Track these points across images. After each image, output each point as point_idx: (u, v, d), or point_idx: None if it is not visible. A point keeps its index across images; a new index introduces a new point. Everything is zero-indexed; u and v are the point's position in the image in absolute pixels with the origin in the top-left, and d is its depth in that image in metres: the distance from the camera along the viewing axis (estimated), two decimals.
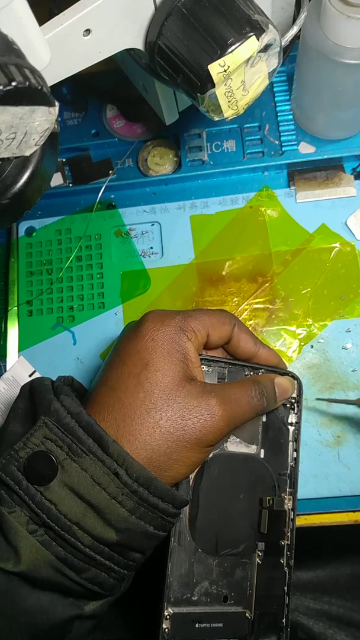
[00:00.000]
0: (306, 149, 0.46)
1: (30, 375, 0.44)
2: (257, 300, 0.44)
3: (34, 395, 0.31)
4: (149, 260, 0.46)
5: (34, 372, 0.44)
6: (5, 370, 0.45)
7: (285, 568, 0.36)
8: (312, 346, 0.42)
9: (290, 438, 0.37)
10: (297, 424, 0.38)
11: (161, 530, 0.30)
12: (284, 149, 0.46)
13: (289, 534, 0.36)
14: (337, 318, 0.43)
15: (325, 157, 0.45)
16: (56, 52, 0.29)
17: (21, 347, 0.46)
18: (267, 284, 0.44)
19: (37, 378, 0.33)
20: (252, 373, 0.36)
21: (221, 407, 0.30)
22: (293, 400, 0.37)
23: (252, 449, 0.36)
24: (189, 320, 0.32)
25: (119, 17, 0.30)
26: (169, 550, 0.33)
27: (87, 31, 0.30)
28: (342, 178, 0.46)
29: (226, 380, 0.36)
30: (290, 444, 0.37)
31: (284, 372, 0.37)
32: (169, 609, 0.33)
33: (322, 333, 0.43)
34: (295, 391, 0.37)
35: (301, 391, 0.38)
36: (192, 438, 0.30)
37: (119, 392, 0.30)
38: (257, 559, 0.35)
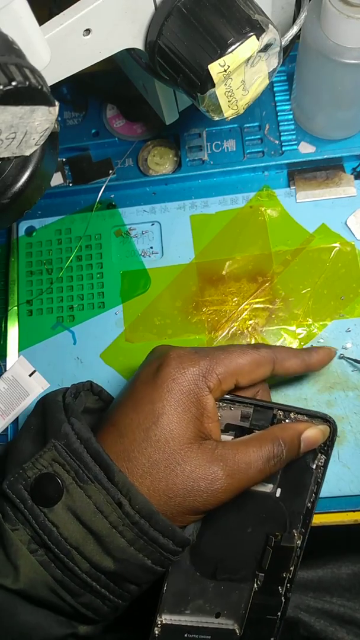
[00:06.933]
0: (306, 149, 0.46)
1: (30, 375, 0.44)
2: (257, 300, 0.44)
3: (46, 412, 0.31)
4: (149, 260, 0.46)
5: (34, 371, 0.44)
6: (5, 370, 0.45)
7: (283, 598, 0.35)
8: (312, 346, 0.42)
9: (313, 480, 0.34)
10: (323, 467, 0.34)
11: (159, 565, 0.30)
12: (284, 148, 0.46)
13: (292, 568, 0.34)
14: (337, 318, 0.43)
15: (325, 156, 0.45)
16: (56, 52, 0.29)
17: (21, 347, 0.46)
18: (267, 284, 0.44)
19: (51, 393, 0.33)
20: (281, 414, 0.33)
21: (227, 480, 0.29)
22: (324, 445, 0.34)
23: (267, 488, 0.34)
24: (215, 368, 0.30)
25: (119, 17, 0.30)
26: (167, 569, 0.33)
27: (87, 31, 0.30)
28: (342, 178, 0.46)
29: (250, 419, 0.33)
30: (311, 486, 0.35)
31: (319, 415, 0.33)
32: (162, 618, 0.33)
33: (322, 333, 0.43)
34: (329, 436, 0.34)
35: (335, 436, 0.34)
36: (190, 506, 0.29)
37: (125, 440, 0.30)
38: (255, 586, 0.35)
